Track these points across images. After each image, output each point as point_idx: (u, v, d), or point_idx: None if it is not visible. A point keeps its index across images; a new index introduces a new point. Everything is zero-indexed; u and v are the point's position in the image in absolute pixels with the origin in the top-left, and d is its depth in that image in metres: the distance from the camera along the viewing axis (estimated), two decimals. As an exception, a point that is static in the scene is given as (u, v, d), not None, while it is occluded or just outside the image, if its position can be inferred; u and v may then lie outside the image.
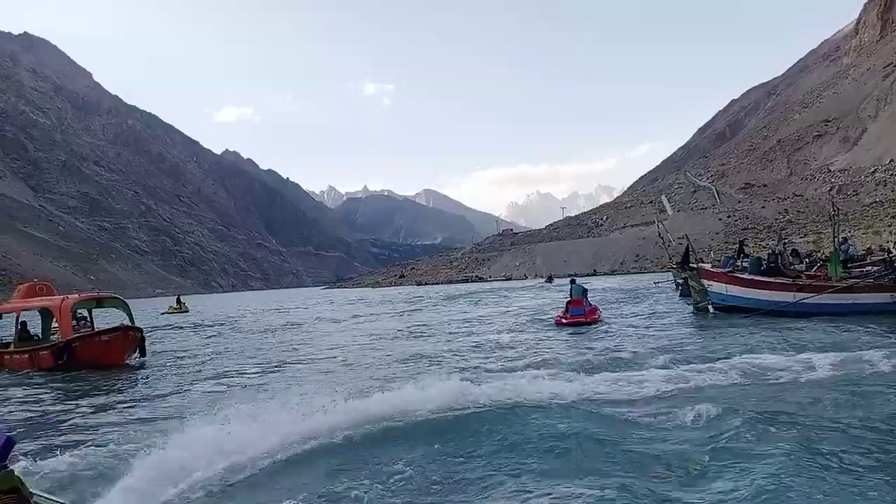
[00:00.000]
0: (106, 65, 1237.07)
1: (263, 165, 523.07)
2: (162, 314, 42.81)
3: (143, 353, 15.94)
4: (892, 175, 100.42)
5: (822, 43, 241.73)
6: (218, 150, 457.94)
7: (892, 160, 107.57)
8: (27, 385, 12.81)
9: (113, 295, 18.32)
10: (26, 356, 15.36)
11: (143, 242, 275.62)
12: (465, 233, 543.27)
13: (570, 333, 16.48)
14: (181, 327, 29.77)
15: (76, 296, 16.72)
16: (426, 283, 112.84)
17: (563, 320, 18.53)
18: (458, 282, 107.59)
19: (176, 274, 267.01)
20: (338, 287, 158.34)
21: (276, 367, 13.70)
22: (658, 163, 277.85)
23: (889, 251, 23.39)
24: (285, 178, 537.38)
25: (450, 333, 18.79)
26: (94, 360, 14.51)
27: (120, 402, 10.30)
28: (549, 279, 73.21)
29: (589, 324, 17.88)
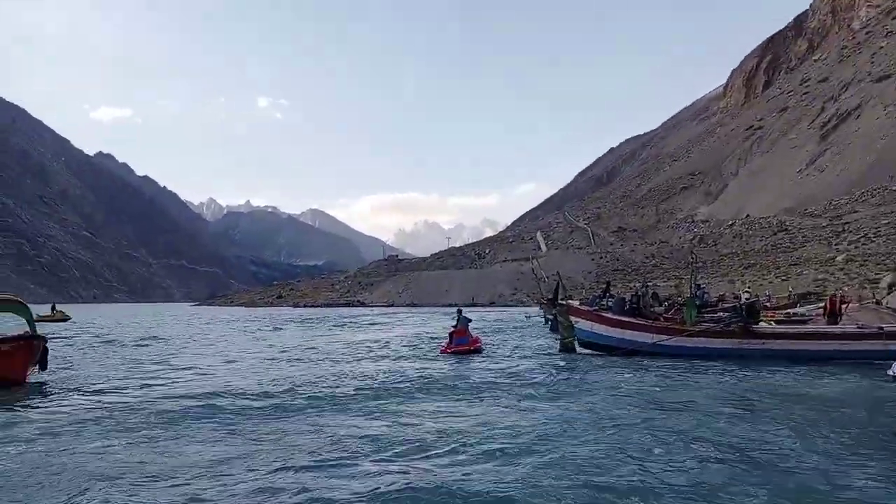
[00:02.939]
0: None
1: (140, 171, 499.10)
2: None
3: (43, 367, 13.42)
4: (747, 229, 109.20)
5: (693, 102, 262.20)
6: (91, 152, 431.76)
7: (747, 215, 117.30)
8: None
9: (13, 297, 14.34)
10: None
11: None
12: (350, 256, 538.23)
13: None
14: (65, 338, 27.13)
15: None
16: (305, 305, 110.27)
17: (448, 350, 18.53)
18: (338, 305, 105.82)
19: (31, 281, 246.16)
20: (208, 304, 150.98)
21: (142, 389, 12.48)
22: (541, 202, 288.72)
23: (739, 298, 25.15)
24: (162, 186, 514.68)
25: (316, 362, 18.05)
26: None
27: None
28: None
29: (472, 352, 18.34)
